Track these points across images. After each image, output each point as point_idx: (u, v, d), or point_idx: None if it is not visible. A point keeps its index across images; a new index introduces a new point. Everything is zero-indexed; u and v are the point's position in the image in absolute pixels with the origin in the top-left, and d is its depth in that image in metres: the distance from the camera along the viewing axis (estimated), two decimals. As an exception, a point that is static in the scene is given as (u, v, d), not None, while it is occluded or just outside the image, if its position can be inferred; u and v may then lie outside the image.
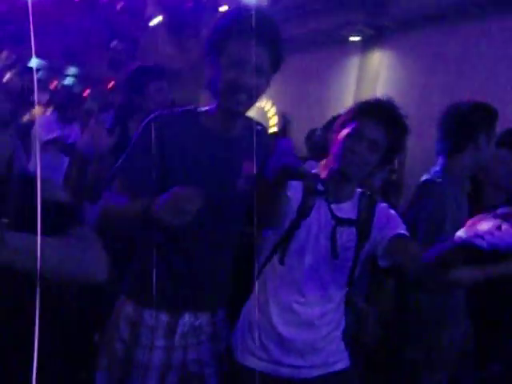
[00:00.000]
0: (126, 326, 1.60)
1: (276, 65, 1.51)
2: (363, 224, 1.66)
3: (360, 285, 1.94)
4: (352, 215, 1.68)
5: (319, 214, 1.65)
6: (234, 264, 1.72)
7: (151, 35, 7.29)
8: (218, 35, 1.47)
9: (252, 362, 1.66)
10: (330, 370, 1.69)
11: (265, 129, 1.82)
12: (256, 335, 1.66)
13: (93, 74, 7.30)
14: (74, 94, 5.62)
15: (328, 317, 1.68)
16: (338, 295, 1.70)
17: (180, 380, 1.65)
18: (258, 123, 1.72)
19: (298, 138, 4.29)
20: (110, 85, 6.84)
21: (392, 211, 1.72)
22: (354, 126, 1.62)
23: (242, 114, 1.55)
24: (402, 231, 1.63)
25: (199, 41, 7.85)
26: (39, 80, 6.32)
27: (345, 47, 5.76)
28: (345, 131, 1.64)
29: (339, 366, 1.71)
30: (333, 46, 5.84)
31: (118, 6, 6.49)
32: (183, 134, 1.51)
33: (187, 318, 1.64)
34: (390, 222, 1.67)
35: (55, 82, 7.35)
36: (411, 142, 4.05)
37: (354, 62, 5.70)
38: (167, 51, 7.55)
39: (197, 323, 1.65)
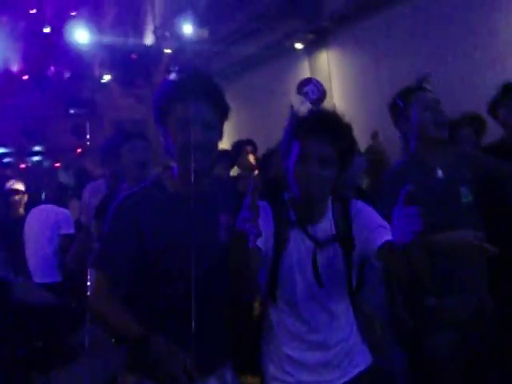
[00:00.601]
0: None
1: (224, 116, 1.53)
2: (344, 236, 1.60)
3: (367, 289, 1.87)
4: (330, 230, 1.61)
5: (297, 243, 1.60)
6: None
7: (105, 93, 7.38)
8: (161, 105, 1.48)
9: None
10: (353, 374, 1.67)
11: (230, 180, 1.82)
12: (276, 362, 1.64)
13: (58, 146, 7.33)
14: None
15: (338, 334, 1.65)
16: (341, 310, 1.65)
17: None
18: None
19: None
20: (78, 151, 6.88)
21: (365, 206, 1.64)
22: (298, 147, 1.53)
23: (203, 172, 1.52)
24: (385, 237, 1.49)
25: (153, 87, 7.96)
26: (9, 165, 6.34)
27: (292, 56, 5.88)
28: (292, 156, 1.55)
29: (362, 367, 1.69)
30: (281, 58, 5.96)
31: (66, 75, 6.59)
32: (153, 208, 1.50)
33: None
34: (368, 221, 1.59)
35: (24, 164, 7.37)
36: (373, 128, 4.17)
37: (304, 68, 5.82)
38: (125, 105, 7.64)
39: None
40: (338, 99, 5.38)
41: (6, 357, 1.74)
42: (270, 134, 4.31)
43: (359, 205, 1.65)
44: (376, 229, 1.52)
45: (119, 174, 2.81)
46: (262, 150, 2.94)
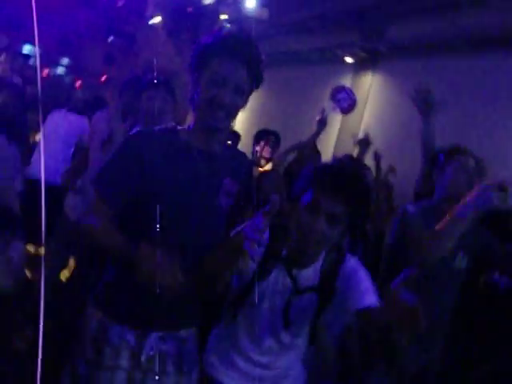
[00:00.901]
0: (90, 344, 1.53)
1: (255, 84, 1.56)
2: (325, 289, 1.56)
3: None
4: (314, 280, 1.58)
5: (278, 278, 1.58)
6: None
7: (149, 34, 7.32)
8: (200, 54, 1.51)
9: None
10: None
11: (245, 153, 1.83)
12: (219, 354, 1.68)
13: (86, 67, 7.28)
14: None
15: (283, 360, 1.66)
16: (295, 343, 1.65)
17: None
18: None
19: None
20: (103, 78, 6.83)
21: (360, 270, 1.58)
22: (310, 196, 1.48)
23: (220, 131, 1.56)
24: (367, 302, 1.43)
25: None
26: (30, 67, 6.28)
27: (338, 67, 5.86)
28: (302, 202, 1.51)
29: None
30: (327, 64, 5.93)
31: (120, 3, 6.52)
32: (163, 150, 1.52)
33: (154, 338, 1.56)
34: (356, 282, 1.53)
35: (46, 70, 7.29)
36: (398, 163, 4.19)
37: (345, 83, 5.79)
38: (164, 52, 7.58)
39: (164, 347, 1.58)
40: (364, 124, 5.38)
41: None
42: (295, 134, 4.33)
43: (353, 263, 1.61)
44: (362, 291, 1.47)
45: (129, 112, 2.82)
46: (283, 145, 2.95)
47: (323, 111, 3.52)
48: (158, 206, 1.44)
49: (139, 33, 7.31)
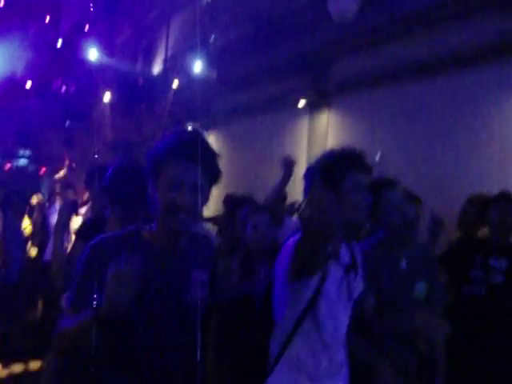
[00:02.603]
0: None
1: (213, 181, 1.58)
2: (355, 266, 1.84)
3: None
4: (350, 259, 1.85)
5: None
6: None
7: (104, 112, 7.46)
8: (155, 160, 1.53)
9: None
10: None
11: (208, 236, 1.91)
12: None
13: (47, 154, 7.33)
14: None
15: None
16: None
17: None
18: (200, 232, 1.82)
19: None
20: (66, 163, 6.87)
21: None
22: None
23: (183, 233, 1.58)
24: None
25: (152, 116, 8.08)
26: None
27: (293, 111, 6.09)
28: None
29: None
30: (282, 110, 6.17)
31: (71, 89, 6.67)
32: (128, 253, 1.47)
33: None
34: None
35: (8, 165, 7.31)
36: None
37: (303, 124, 6.03)
38: (121, 126, 7.72)
39: None
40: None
41: None
42: (261, 181, 4.42)
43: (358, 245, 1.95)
44: None
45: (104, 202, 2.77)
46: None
47: (288, 156, 3.56)
48: (131, 311, 1.43)
49: (95, 113, 7.45)
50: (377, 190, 2.21)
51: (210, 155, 1.55)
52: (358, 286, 1.85)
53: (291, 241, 1.72)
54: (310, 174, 1.82)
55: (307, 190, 1.80)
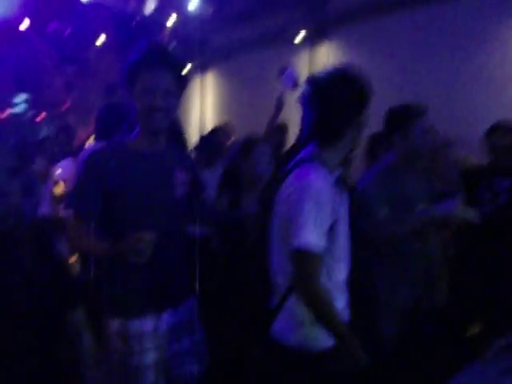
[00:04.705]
0: (117, 340, 1.81)
1: (182, 86, 1.81)
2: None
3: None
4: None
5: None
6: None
7: (100, 55, 7.37)
8: (130, 69, 1.74)
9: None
10: None
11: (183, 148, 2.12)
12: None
13: (46, 99, 7.29)
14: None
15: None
16: None
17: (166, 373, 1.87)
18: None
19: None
20: (65, 106, 6.87)
21: None
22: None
23: (161, 131, 1.81)
24: None
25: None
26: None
27: (292, 45, 6.06)
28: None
29: None
30: (281, 45, 6.13)
31: (66, 32, 6.56)
32: (116, 163, 1.76)
33: (168, 314, 1.86)
34: None
35: (7, 112, 7.27)
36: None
37: (303, 58, 6.01)
38: (117, 66, 7.61)
39: (177, 319, 1.89)
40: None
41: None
42: (258, 117, 4.51)
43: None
44: None
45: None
46: (245, 131, 3.03)
47: (281, 93, 3.75)
48: (125, 210, 1.76)
49: (91, 56, 7.36)
50: (408, 116, 2.33)
51: (179, 64, 1.79)
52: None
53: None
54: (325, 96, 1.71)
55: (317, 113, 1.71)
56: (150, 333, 1.80)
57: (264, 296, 1.78)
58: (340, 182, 1.69)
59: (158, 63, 1.71)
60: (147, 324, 1.80)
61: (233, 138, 4.67)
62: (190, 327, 1.94)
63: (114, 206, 1.76)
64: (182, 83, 1.80)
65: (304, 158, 1.69)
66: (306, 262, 1.54)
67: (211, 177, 3.24)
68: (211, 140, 3.90)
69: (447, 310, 2.57)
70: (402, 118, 2.37)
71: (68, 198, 1.89)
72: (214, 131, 4.36)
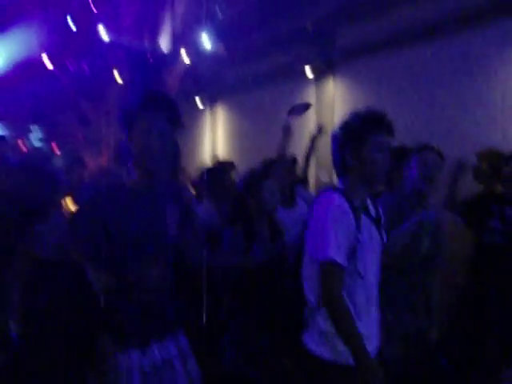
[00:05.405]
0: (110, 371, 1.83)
1: (178, 125, 1.87)
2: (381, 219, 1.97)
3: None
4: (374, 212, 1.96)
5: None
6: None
7: (116, 91, 7.61)
8: (126, 114, 1.83)
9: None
10: None
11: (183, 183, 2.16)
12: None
13: (60, 132, 7.52)
14: None
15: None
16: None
17: None
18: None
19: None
20: (79, 140, 7.11)
21: None
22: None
23: (158, 171, 1.86)
24: None
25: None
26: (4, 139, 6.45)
27: (300, 80, 6.21)
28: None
29: None
30: (290, 80, 6.30)
31: (84, 70, 6.84)
32: (117, 202, 1.84)
33: (156, 347, 1.87)
34: None
35: (20, 141, 7.50)
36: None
37: (310, 92, 6.15)
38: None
39: (165, 352, 1.89)
40: (336, 126, 5.70)
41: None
42: (267, 150, 4.59)
43: None
44: None
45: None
46: (254, 164, 3.15)
47: (287, 121, 3.81)
48: (126, 247, 1.81)
49: (107, 91, 7.62)
50: (413, 153, 2.49)
51: (171, 104, 1.86)
52: (383, 236, 1.93)
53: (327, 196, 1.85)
54: (334, 138, 1.95)
55: (334, 154, 1.94)
56: (137, 367, 1.81)
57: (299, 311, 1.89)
58: (361, 211, 1.83)
59: (153, 107, 1.79)
60: (136, 357, 1.82)
61: (237, 172, 4.74)
62: (182, 358, 1.95)
63: (114, 243, 1.81)
64: (177, 122, 1.87)
65: (328, 188, 1.92)
66: (328, 273, 1.70)
67: (216, 209, 3.40)
68: (214, 173, 3.98)
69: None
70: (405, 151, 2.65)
71: (69, 230, 1.97)
72: (217, 165, 4.45)
